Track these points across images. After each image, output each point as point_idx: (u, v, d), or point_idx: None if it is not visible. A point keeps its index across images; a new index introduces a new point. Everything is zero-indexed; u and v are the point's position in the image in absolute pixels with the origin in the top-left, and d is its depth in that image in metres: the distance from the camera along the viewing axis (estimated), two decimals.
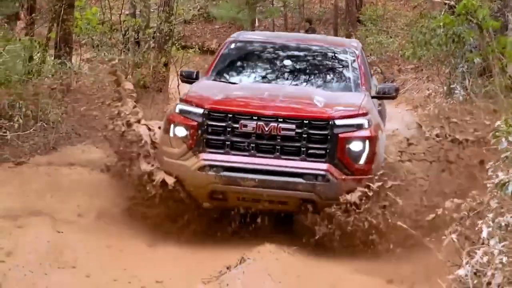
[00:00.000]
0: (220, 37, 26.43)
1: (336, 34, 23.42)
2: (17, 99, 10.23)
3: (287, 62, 8.58)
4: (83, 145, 10.40)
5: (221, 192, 6.98)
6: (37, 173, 8.96)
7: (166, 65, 16.07)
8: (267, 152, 6.91)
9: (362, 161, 6.91)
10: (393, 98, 8.36)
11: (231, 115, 6.94)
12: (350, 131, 6.94)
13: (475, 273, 4.49)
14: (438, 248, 5.04)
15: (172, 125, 7.15)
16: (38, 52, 11.30)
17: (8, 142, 9.41)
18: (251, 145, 6.91)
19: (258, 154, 6.90)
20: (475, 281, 4.43)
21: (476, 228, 4.97)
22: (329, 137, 6.86)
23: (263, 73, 8.47)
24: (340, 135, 6.88)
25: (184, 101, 7.35)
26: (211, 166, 6.88)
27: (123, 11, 17.52)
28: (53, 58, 11.88)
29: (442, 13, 14.20)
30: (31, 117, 10.30)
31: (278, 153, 6.89)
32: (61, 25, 11.81)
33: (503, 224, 4.68)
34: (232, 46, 8.80)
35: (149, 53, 15.92)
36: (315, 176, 6.81)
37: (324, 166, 6.83)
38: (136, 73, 14.81)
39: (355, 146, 6.91)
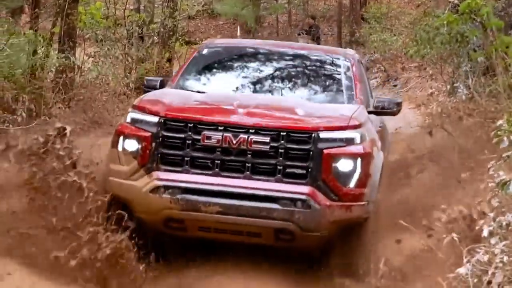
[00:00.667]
0: (224, 33, 26.54)
1: (340, 32, 23.48)
2: (21, 93, 10.28)
3: (267, 71, 7.35)
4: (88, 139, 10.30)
5: (178, 219, 5.75)
6: None
7: (169, 60, 16.18)
8: (235, 170, 5.67)
9: (352, 183, 5.69)
10: (393, 114, 7.01)
11: (191, 125, 5.70)
12: (338, 146, 5.70)
13: (475, 272, 4.52)
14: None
15: (121, 137, 5.88)
16: (42, 46, 11.29)
17: (11, 136, 9.42)
18: (216, 161, 5.66)
19: (224, 173, 5.66)
20: (475, 280, 4.45)
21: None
22: (311, 153, 5.63)
23: (239, 83, 7.21)
24: (326, 151, 5.64)
25: (136, 107, 6.08)
26: (167, 188, 5.64)
27: (127, 6, 17.61)
28: (57, 52, 11.88)
29: (446, 11, 14.25)
30: (34, 111, 10.35)
31: (248, 172, 5.63)
32: (65, 20, 11.80)
33: (504, 223, 4.71)
34: (204, 52, 7.58)
35: (153, 48, 16.00)
36: (294, 201, 5.58)
37: (305, 189, 5.60)
38: (140, 68, 14.84)
39: (344, 165, 5.68)
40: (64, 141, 5.88)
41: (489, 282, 4.36)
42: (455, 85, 13.12)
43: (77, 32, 12.94)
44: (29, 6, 13.01)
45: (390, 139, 8.29)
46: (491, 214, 4.88)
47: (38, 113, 10.45)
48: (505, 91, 9.20)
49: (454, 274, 4.55)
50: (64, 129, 5.94)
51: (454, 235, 4.87)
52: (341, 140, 5.75)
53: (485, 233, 4.69)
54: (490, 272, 4.40)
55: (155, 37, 16.39)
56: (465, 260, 4.63)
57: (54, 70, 11.77)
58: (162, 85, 7.06)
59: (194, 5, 21.78)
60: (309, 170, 5.63)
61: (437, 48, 13.57)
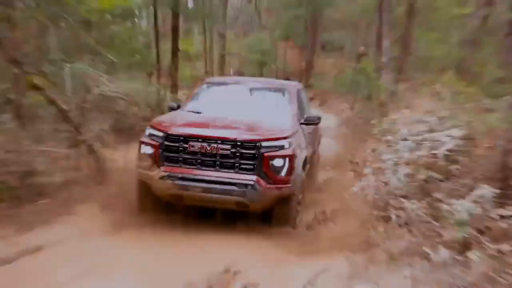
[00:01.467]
0: None
1: (300, 81, 23.30)
2: (153, 116, 10.19)
3: (240, 98, 5.84)
4: None
5: (178, 195, 4.68)
6: None
7: None
8: (210, 166, 4.65)
9: (282, 173, 4.63)
10: (316, 124, 5.67)
11: (182, 138, 4.70)
12: (273, 151, 4.64)
13: (361, 190, 4.54)
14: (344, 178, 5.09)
15: (142, 145, 4.85)
16: (162, 91, 11.31)
17: None
18: (198, 160, 4.66)
19: (203, 168, 4.65)
20: (360, 194, 4.47)
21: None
22: (256, 155, 4.60)
23: (222, 106, 5.66)
24: (265, 154, 4.61)
25: (151, 126, 4.98)
26: (169, 176, 4.65)
27: (202, 69, 17.58)
28: (170, 94, 11.89)
29: (351, 70, 14.31)
30: None
31: (217, 167, 4.63)
32: (173, 76, 11.81)
33: (374, 168, 4.74)
34: (204, 86, 6.15)
35: None
36: (246, 185, 4.57)
37: (253, 177, 4.58)
38: None
39: (277, 162, 4.64)
40: None
41: (367, 195, 4.37)
42: (354, 105, 13.13)
43: (179, 83, 12.96)
44: (155, 71, 13.03)
45: (322, 132, 7.44)
46: (369, 164, 4.90)
47: None
48: (376, 109, 9.28)
49: (350, 191, 4.56)
50: None
51: (352, 173, 4.90)
52: (275, 147, 4.67)
53: (366, 171, 4.72)
54: (367, 190, 4.41)
55: None
56: (356, 184, 4.64)
57: None
58: (179, 107, 5.77)
59: (230, 70, 21.82)
60: (255, 165, 4.60)
61: (346, 87, 13.62)
